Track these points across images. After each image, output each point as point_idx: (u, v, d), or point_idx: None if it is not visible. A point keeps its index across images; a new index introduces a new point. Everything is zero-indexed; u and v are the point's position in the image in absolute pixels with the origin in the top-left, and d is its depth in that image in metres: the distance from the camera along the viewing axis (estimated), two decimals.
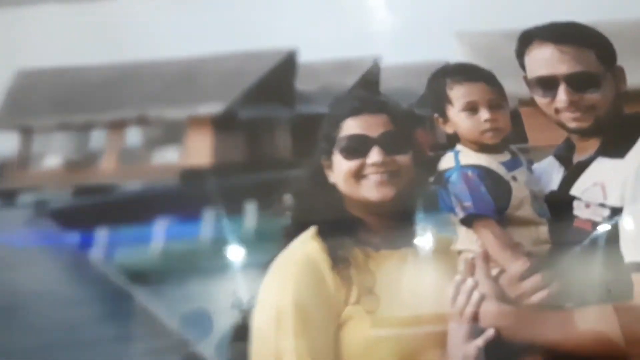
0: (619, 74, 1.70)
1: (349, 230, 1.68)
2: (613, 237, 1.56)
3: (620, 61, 1.72)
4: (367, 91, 1.88)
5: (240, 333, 1.79)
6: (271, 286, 1.65)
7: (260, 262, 1.72)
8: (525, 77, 1.73)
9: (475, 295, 1.55)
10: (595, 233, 1.58)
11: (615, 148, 1.65)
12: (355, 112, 1.71)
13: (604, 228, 1.57)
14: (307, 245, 1.66)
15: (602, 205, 1.59)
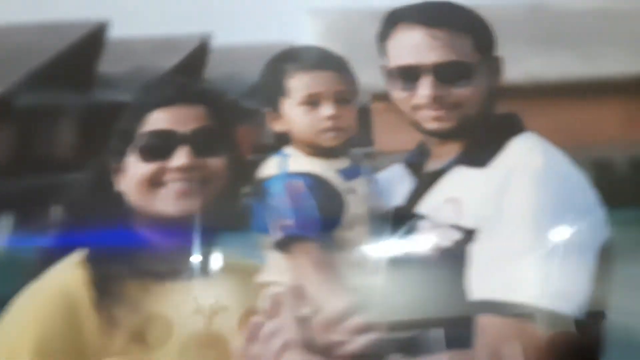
0: (495, 66, 1.72)
1: (130, 256, 1.61)
2: (461, 267, 1.54)
3: (501, 50, 1.73)
4: (186, 77, 1.84)
5: None
6: (10, 326, 1.54)
7: (6, 294, 1.60)
8: (384, 66, 1.72)
9: (276, 344, 1.46)
10: (441, 261, 1.57)
11: (478, 155, 1.66)
12: (166, 101, 1.67)
13: (452, 255, 1.55)
14: (67, 275, 1.58)
15: (454, 226, 1.58)
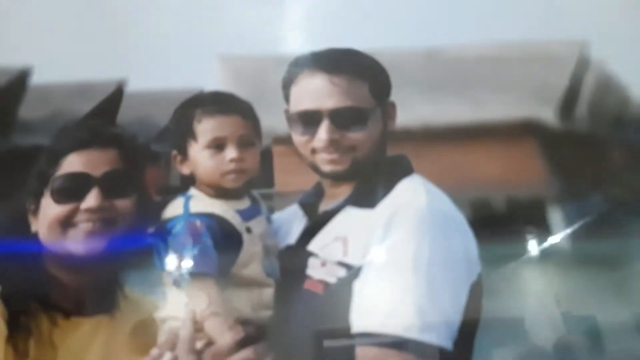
0: (389, 111, 1.72)
1: (41, 292, 1.59)
2: (346, 303, 1.53)
3: (395, 95, 1.74)
4: (101, 121, 1.81)
5: None
6: None
7: None
8: (286, 111, 1.72)
9: None
10: (325, 299, 1.56)
11: (367, 196, 1.65)
12: (80, 145, 1.64)
13: (337, 292, 1.55)
14: None
15: (340, 263, 1.57)
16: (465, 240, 1.62)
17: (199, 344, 1.52)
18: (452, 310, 1.52)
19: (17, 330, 1.51)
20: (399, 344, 1.47)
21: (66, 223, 1.60)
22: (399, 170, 1.70)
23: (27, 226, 1.63)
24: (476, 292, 1.58)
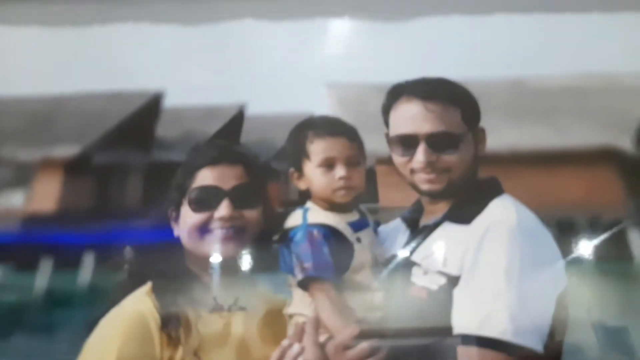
0: (480, 136, 1.72)
1: (185, 288, 1.65)
2: (446, 307, 1.54)
3: (484, 121, 1.74)
4: (227, 141, 1.85)
5: None
6: (95, 343, 1.58)
7: (92, 318, 1.64)
8: (387, 134, 1.73)
9: None
10: (429, 303, 1.57)
11: (463, 213, 1.66)
12: (212, 161, 1.71)
13: (440, 297, 1.56)
14: (139, 302, 1.61)
15: (441, 272, 1.58)
16: (552, 255, 1.62)
17: (322, 338, 1.54)
18: (542, 317, 1.53)
19: (168, 321, 1.58)
20: (495, 345, 1.48)
21: (203, 229, 1.65)
22: (491, 190, 1.69)
23: (171, 231, 1.69)
24: (563, 302, 1.57)
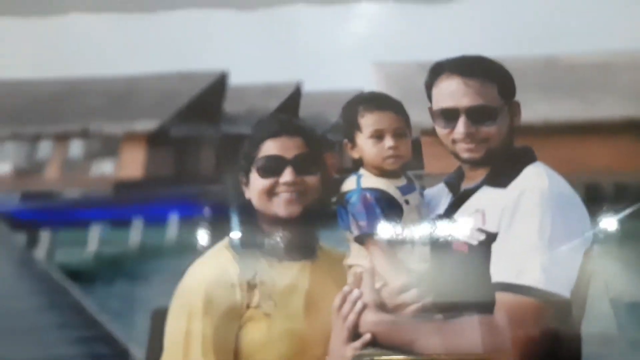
0: (515, 109, 1.66)
1: (258, 243, 1.67)
2: (485, 260, 1.54)
3: (519, 95, 1.68)
4: (287, 115, 1.82)
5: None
6: (185, 288, 1.64)
7: (180, 267, 1.68)
8: (430, 108, 1.68)
9: (359, 305, 1.56)
10: (470, 256, 1.56)
11: (500, 178, 1.62)
12: (274, 134, 1.69)
13: (479, 251, 1.55)
14: (220, 254, 1.65)
15: (480, 230, 1.57)
16: (580, 215, 1.58)
17: (377, 284, 1.58)
18: (569, 269, 1.51)
19: (245, 270, 1.61)
20: (529, 292, 1.48)
21: (270, 193, 1.65)
22: (525, 158, 1.65)
23: (242, 194, 1.70)
24: (588, 256, 1.55)
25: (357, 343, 1.53)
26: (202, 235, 1.72)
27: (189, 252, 1.71)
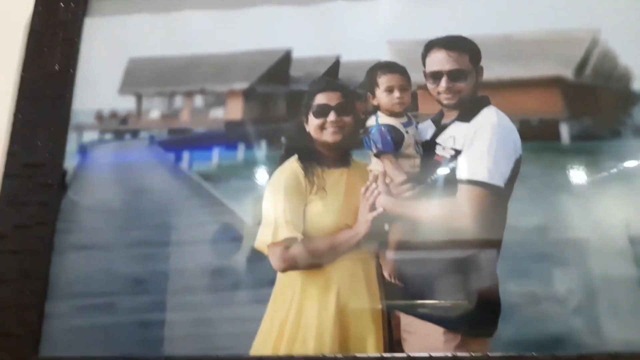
0: (479, 71, 1.65)
1: (315, 158, 1.69)
2: (455, 166, 1.57)
3: (483, 62, 1.67)
4: (330, 77, 1.83)
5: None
6: (272, 181, 1.67)
7: (268, 173, 1.71)
8: (424, 72, 1.68)
9: (376, 192, 1.60)
10: (444, 164, 1.59)
11: (466, 116, 1.63)
12: (322, 89, 1.70)
13: (450, 161, 1.59)
14: (292, 164, 1.69)
15: (452, 148, 1.60)
16: (515, 139, 1.60)
17: (387, 180, 1.63)
18: (505, 171, 1.54)
19: (307, 172, 1.66)
20: (480, 184, 1.52)
21: (322, 127, 1.68)
22: (483, 103, 1.65)
23: (304, 129, 1.72)
24: (518, 164, 1.57)
25: (375, 212, 1.58)
26: (281, 154, 1.73)
27: (273, 164, 1.73)
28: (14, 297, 1.17)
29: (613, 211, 1.47)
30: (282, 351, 1.37)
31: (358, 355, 1.30)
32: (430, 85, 1.65)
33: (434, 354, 1.27)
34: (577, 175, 1.54)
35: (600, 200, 1.50)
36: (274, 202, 1.63)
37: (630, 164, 1.55)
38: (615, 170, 1.55)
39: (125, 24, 1.77)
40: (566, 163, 1.57)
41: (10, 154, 1.32)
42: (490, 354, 1.27)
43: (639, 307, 1.28)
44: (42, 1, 1.50)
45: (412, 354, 1.28)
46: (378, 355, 1.30)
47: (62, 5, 1.47)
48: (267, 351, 1.36)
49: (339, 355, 1.30)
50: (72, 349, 1.17)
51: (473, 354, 1.25)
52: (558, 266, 1.38)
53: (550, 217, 1.48)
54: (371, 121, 1.70)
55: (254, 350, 1.35)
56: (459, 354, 1.27)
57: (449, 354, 1.26)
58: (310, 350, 1.34)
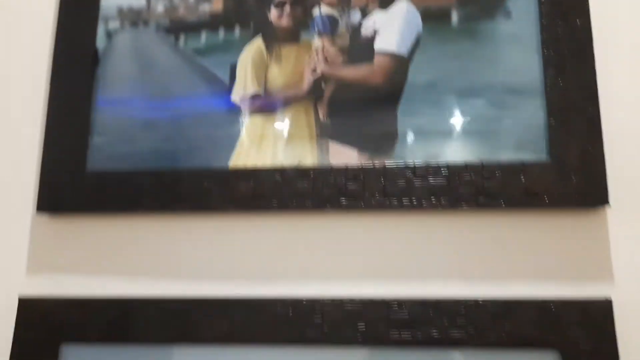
0: None
1: (274, 37, 1.89)
2: (372, 42, 1.81)
3: None
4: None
5: None
6: (243, 54, 1.88)
7: (241, 49, 1.87)
8: None
9: (316, 60, 1.82)
10: (366, 40, 1.84)
11: (385, 5, 1.90)
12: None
13: (370, 39, 1.82)
14: (257, 42, 1.87)
15: (373, 29, 1.86)
16: (418, 21, 1.88)
17: (325, 52, 1.85)
18: (409, 44, 1.84)
19: (268, 49, 1.86)
20: (389, 53, 1.82)
21: (279, 17, 1.90)
22: None
23: (268, 17, 1.92)
24: (419, 39, 1.85)
25: (315, 75, 1.80)
26: (250, 35, 1.87)
27: (244, 43, 1.89)
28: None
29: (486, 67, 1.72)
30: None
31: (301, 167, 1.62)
32: None
33: (349, 165, 1.75)
34: (462, 47, 1.77)
35: (474, 61, 1.74)
36: (244, 68, 1.88)
37: (499, 40, 1.75)
38: (490, 43, 1.75)
39: None
40: (454, 38, 1.82)
41: (58, 34, 1.72)
42: (387, 163, 1.70)
43: None
44: None
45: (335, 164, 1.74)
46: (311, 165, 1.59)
47: None
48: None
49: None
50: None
51: (376, 163, 1.72)
52: (441, 109, 1.72)
53: (438, 76, 1.76)
54: (316, 11, 1.98)
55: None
56: (364, 163, 1.74)
57: (360, 163, 1.73)
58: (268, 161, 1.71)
